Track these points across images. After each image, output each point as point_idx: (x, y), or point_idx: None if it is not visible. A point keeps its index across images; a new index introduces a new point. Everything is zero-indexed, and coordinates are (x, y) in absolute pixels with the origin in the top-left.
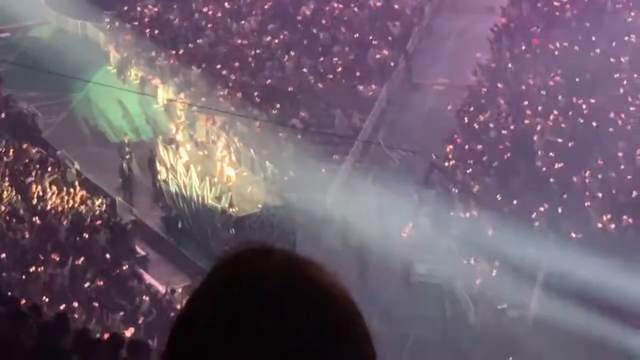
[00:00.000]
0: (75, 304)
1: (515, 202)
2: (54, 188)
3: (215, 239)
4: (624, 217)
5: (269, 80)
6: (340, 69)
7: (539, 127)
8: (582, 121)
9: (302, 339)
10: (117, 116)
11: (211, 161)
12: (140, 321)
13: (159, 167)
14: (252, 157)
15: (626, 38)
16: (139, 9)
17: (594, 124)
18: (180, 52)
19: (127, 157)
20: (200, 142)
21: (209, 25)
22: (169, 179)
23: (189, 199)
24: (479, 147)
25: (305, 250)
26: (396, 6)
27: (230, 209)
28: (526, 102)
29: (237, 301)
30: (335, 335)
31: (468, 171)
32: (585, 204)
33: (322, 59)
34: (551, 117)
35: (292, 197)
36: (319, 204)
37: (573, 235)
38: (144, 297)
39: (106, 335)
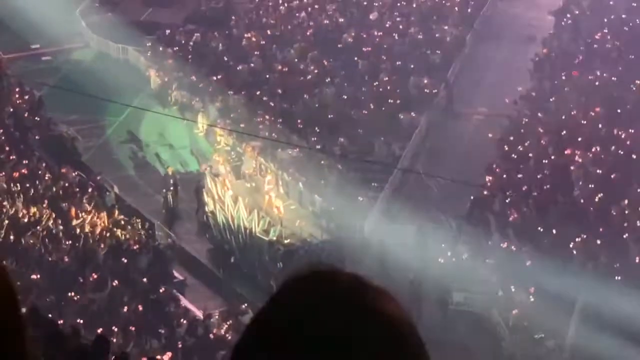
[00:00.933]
0: (113, 328)
1: (553, 232)
2: (93, 212)
3: (262, 271)
4: None
5: (310, 108)
6: (380, 96)
7: (578, 158)
8: (622, 152)
9: None
10: (157, 141)
11: (259, 194)
12: (177, 345)
13: (206, 198)
14: (300, 190)
15: None
16: (180, 34)
17: (634, 156)
18: (220, 77)
19: (171, 188)
20: (248, 175)
21: (255, 53)
22: (217, 210)
23: (237, 231)
24: (519, 176)
25: None
26: (437, 35)
27: (279, 243)
28: (566, 133)
29: (301, 321)
30: None
31: (507, 200)
32: (624, 236)
33: (362, 86)
34: (592, 148)
35: (331, 226)
36: (358, 231)
37: (611, 266)
38: (181, 321)
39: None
